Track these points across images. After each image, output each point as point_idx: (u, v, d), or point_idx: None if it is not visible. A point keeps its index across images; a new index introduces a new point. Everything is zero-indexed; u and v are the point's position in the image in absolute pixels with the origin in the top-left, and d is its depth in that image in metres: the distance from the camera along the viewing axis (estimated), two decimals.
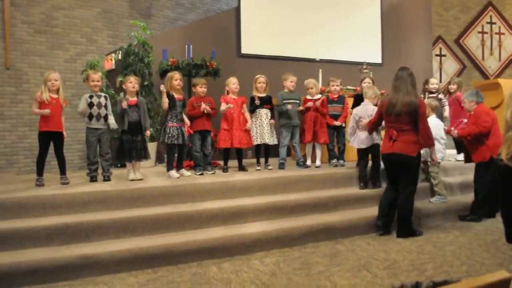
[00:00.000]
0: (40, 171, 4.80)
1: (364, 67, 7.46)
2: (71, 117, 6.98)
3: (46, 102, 4.73)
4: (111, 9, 8.46)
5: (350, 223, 4.65)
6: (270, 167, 5.81)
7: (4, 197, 4.12)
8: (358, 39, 9.13)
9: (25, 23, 7.59)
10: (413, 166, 4.47)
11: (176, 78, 5.28)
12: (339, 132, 6.08)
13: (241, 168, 5.75)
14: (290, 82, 5.97)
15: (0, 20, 7.36)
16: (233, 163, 5.90)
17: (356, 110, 5.38)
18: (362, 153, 5.38)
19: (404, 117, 4.32)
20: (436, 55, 11.71)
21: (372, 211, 4.82)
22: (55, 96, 4.82)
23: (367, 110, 5.26)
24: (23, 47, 7.56)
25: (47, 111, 4.68)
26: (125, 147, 4.92)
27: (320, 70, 7.16)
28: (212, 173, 5.47)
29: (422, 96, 6.63)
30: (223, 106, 5.60)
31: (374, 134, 5.19)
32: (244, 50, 7.99)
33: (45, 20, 7.77)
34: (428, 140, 4.40)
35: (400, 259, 3.83)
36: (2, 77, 7.36)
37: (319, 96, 6.15)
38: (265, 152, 5.93)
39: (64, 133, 4.91)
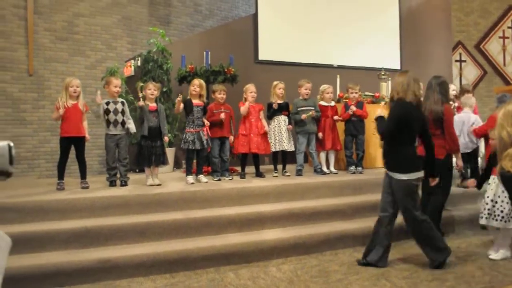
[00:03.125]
0: (61, 175, 4.88)
1: (382, 73, 7.42)
2: (91, 122, 7.04)
3: (65, 108, 4.82)
4: (131, 16, 8.59)
5: (368, 230, 4.55)
6: (287, 174, 5.79)
7: (26, 200, 4.20)
8: (376, 44, 9.07)
9: (47, 31, 7.76)
10: (439, 168, 4.47)
11: (192, 84, 5.36)
12: (357, 139, 6.04)
13: (259, 174, 5.75)
14: (304, 89, 5.94)
15: (23, 28, 7.54)
16: (250, 169, 5.90)
17: (459, 117, 5.62)
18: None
19: (431, 123, 4.35)
20: (456, 60, 11.56)
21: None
22: (74, 102, 4.91)
23: (469, 118, 5.63)
24: (45, 54, 7.72)
25: (61, 110, 4.78)
26: (144, 152, 4.97)
27: (338, 76, 7.13)
28: (230, 179, 5.48)
29: None
30: (243, 107, 5.64)
31: (475, 138, 5.55)
32: (262, 56, 8.01)
33: (67, 28, 7.93)
34: (454, 146, 4.44)
35: (420, 269, 3.77)
36: (25, 83, 7.52)
37: (333, 103, 6.17)
38: (282, 158, 5.91)
39: (87, 136, 4.98)
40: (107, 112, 5.03)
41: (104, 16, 8.30)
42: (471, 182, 5.33)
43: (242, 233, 4.28)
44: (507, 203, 3.88)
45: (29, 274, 3.39)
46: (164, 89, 6.58)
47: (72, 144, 4.90)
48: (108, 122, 5.04)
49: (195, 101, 5.29)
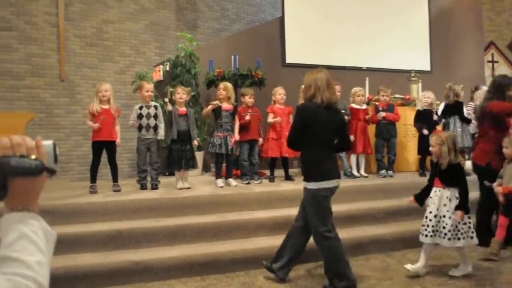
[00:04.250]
0: (93, 179, 4.98)
1: (412, 75, 7.31)
2: (121, 126, 7.21)
3: (96, 113, 4.92)
4: (159, 21, 8.72)
5: (400, 235, 4.51)
6: None
7: (60, 203, 4.30)
8: (405, 46, 8.94)
9: (77, 37, 7.95)
10: (478, 175, 4.39)
11: (218, 88, 5.42)
12: (389, 142, 5.96)
13: (288, 177, 5.74)
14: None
15: (55, 34, 7.74)
16: (279, 172, 5.89)
17: None
18: None
19: (478, 122, 4.34)
20: (488, 61, 11.29)
21: None
22: (106, 106, 5.00)
23: None
24: (76, 60, 7.91)
25: (96, 125, 4.87)
26: (174, 156, 5.03)
27: (367, 78, 7.06)
28: (259, 183, 5.50)
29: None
30: (271, 119, 5.64)
31: None
32: (289, 59, 8.01)
33: (96, 34, 8.11)
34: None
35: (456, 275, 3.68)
36: (57, 89, 7.72)
37: (364, 106, 6.10)
38: None
39: (118, 140, 5.07)
40: (140, 116, 5.11)
41: (133, 22, 8.45)
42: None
43: (271, 237, 4.25)
44: (450, 218, 3.52)
45: (63, 275, 3.45)
46: (193, 93, 6.64)
47: (104, 148, 4.99)
48: (140, 126, 5.12)
49: (224, 105, 5.32)
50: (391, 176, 5.88)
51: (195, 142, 5.22)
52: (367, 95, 6.86)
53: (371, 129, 6.15)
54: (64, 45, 7.77)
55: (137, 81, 6.55)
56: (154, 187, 5.10)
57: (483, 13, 10.59)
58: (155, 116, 5.18)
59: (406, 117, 6.57)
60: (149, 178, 5.21)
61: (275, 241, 4.12)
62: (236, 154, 5.53)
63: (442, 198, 3.61)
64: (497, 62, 11.39)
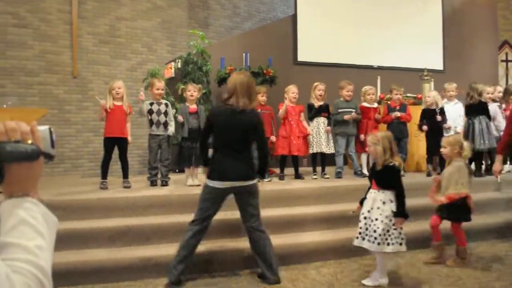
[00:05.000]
0: (104, 175, 5.01)
1: (425, 73, 7.23)
2: (131, 123, 7.27)
3: (109, 110, 4.95)
4: (170, 19, 8.75)
5: (409, 235, 4.45)
6: (327, 176, 5.74)
7: (71, 198, 4.34)
8: (418, 44, 8.86)
9: (90, 34, 8.01)
10: None
11: None
12: (401, 141, 5.92)
13: (298, 176, 5.73)
14: (346, 91, 5.87)
15: (68, 32, 7.81)
16: (289, 171, 5.88)
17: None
18: None
19: None
20: (502, 60, 11.12)
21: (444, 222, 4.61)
22: (118, 103, 5.03)
23: None
24: (89, 57, 7.97)
25: (103, 102, 4.98)
26: (185, 153, 5.04)
27: (379, 77, 7.00)
28: (269, 181, 5.49)
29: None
30: (281, 111, 5.62)
31: None
32: (301, 57, 7.98)
33: (109, 31, 8.17)
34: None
35: (465, 276, 3.64)
36: (69, 85, 7.79)
37: (375, 104, 6.06)
38: (321, 160, 5.86)
39: (129, 138, 5.10)
40: (150, 112, 5.14)
41: (145, 20, 8.50)
42: None
43: (280, 235, 4.23)
44: (382, 221, 3.35)
45: (73, 270, 3.49)
46: (204, 91, 6.65)
47: (116, 144, 5.02)
48: (151, 122, 5.14)
49: None
50: (403, 176, 5.81)
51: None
52: (378, 93, 6.81)
53: (383, 128, 6.09)
54: (77, 42, 7.84)
55: (148, 78, 6.57)
56: (165, 183, 5.12)
57: (498, 12, 10.45)
58: (166, 113, 5.20)
59: (418, 116, 6.50)
60: (159, 175, 5.23)
61: (285, 239, 4.14)
62: None
63: (375, 201, 3.44)
64: (511, 61, 11.22)
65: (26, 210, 0.86)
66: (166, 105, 5.26)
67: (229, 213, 3.99)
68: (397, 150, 3.58)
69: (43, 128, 0.93)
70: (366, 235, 3.42)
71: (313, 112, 5.80)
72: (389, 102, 6.25)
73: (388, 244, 3.34)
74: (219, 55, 6.78)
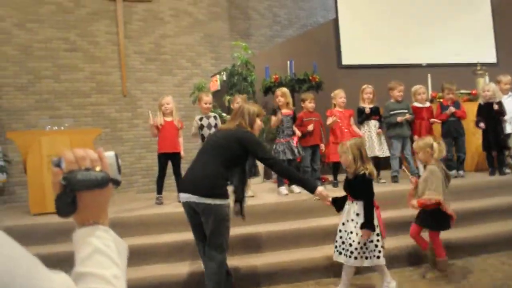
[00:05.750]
0: (159, 190, 5.06)
1: (478, 68, 6.90)
2: (184, 136, 7.36)
3: (160, 126, 5.01)
4: (212, 33, 8.83)
5: (478, 239, 4.23)
6: (382, 181, 5.55)
7: (128, 215, 4.40)
8: (467, 37, 8.44)
9: (137, 53, 8.21)
10: None
11: (276, 95, 5.36)
12: (457, 140, 5.64)
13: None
14: (398, 92, 5.68)
15: (116, 52, 8.04)
16: (342, 177, 5.71)
17: None
18: None
19: None
20: None
21: (504, 225, 4.34)
22: (169, 119, 5.08)
23: None
24: (137, 75, 8.17)
25: (154, 131, 5.02)
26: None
27: (429, 75, 6.73)
28: None
29: None
30: (330, 120, 5.50)
31: None
32: (345, 61, 7.80)
33: (154, 49, 8.34)
34: None
35: None
36: (120, 104, 8.00)
37: (427, 104, 5.82)
38: (375, 165, 5.64)
39: (182, 152, 5.13)
40: (201, 127, 5.16)
41: (188, 35, 8.62)
42: None
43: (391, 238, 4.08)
44: (357, 234, 3.21)
45: (132, 287, 3.50)
46: (250, 101, 6.65)
47: (169, 159, 5.06)
48: (202, 137, 5.16)
49: (284, 111, 5.27)
50: (462, 176, 5.54)
51: None
52: (430, 92, 6.54)
53: (437, 128, 5.84)
54: (125, 62, 8.05)
55: (195, 92, 6.63)
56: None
57: None
58: (216, 126, 5.20)
59: (474, 113, 6.19)
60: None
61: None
62: (297, 159, 5.43)
63: (349, 213, 3.30)
64: None
65: (99, 239, 0.86)
66: (215, 117, 5.27)
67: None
68: (368, 157, 3.40)
69: (109, 154, 0.95)
70: (343, 249, 3.28)
71: (363, 116, 5.65)
72: (441, 101, 5.97)
73: (366, 257, 3.21)
74: (263, 65, 6.74)
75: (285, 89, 5.43)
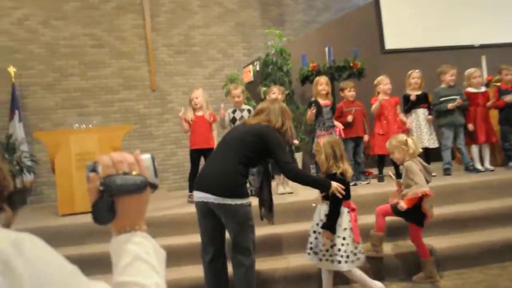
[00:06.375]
0: (191, 188, 5.05)
1: None
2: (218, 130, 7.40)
3: (190, 122, 5.02)
4: (244, 21, 8.80)
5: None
6: (433, 174, 5.33)
7: (161, 214, 4.44)
8: None
9: (165, 46, 8.29)
10: None
11: (321, 83, 5.23)
12: None
13: (399, 176, 5.37)
14: (450, 76, 5.53)
15: (144, 46, 8.14)
16: (387, 171, 5.59)
17: None
18: None
19: None
20: None
21: None
22: (199, 113, 5.08)
23: None
24: (166, 69, 8.25)
25: (185, 127, 5.07)
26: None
27: (483, 57, 6.47)
28: (367, 183, 5.29)
29: None
30: (374, 105, 5.41)
31: None
32: (389, 45, 7.59)
33: (184, 41, 8.40)
34: None
35: None
36: (149, 99, 8.11)
37: (483, 89, 5.59)
38: (425, 157, 5.50)
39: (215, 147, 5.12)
40: (233, 120, 5.14)
41: (218, 25, 8.63)
42: None
43: (386, 244, 3.97)
44: (349, 232, 3.24)
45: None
46: (287, 92, 6.56)
47: (202, 155, 5.07)
48: None
49: (323, 101, 5.18)
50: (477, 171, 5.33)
51: (296, 142, 5.11)
52: (485, 76, 6.29)
53: (494, 114, 5.60)
54: (153, 56, 8.13)
55: (227, 84, 6.62)
56: (254, 193, 5.06)
57: None
58: None
59: None
60: (248, 184, 5.18)
61: (392, 248, 3.90)
62: None
63: (320, 213, 3.33)
64: None
65: (139, 246, 0.87)
66: (249, 111, 5.22)
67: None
68: (344, 156, 3.36)
69: (146, 157, 0.95)
70: (317, 251, 3.33)
71: (410, 104, 5.50)
72: (499, 85, 5.72)
73: (332, 261, 3.25)
74: (299, 52, 6.65)
75: (327, 78, 5.37)
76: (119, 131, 5.49)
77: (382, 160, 5.49)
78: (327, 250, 3.26)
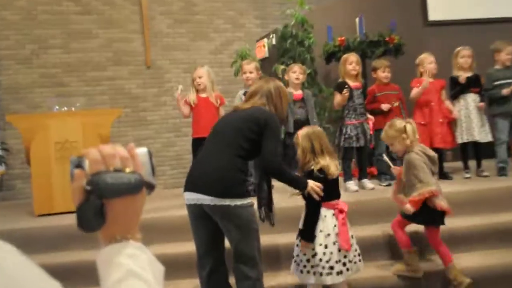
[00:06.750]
0: None
1: None
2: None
3: (193, 105, 5.01)
4: None
5: None
6: (485, 174, 5.40)
7: (155, 217, 4.46)
8: None
9: (163, 14, 8.29)
10: None
11: (350, 61, 5.20)
12: None
13: (443, 175, 5.42)
14: (506, 55, 5.51)
15: (137, 14, 8.12)
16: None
17: None
18: None
19: None
20: None
21: None
22: (203, 95, 5.06)
23: None
24: (163, 42, 8.24)
25: (185, 111, 5.05)
26: (290, 153, 4.91)
27: None
28: None
29: None
30: (416, 90, 5.36)
31: None
32: (433, 16, 7.50)
33: (185, 8, 8.39)
34: None
35: None
36: (143, 78, 8.11)
37: None
38: (475, 152, 5.53)
39: None
40: None
41: None
42: None
43: (424, 260, 3.96)
44: (334, 237, 3.23)
45: None
46: (308, 71, 6.51)
47: None
48: None
49: (352, 83, 5.15)
50: None
51: None
52: None
53: None
54: (149, 26, 8.11)
55: (237, 61, 6.58)
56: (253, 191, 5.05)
57: None
58: None
59: None
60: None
61: (431, 264, 3.88)
62: (370, 146, 5.32)
63: (301, 218, 3.36)
64: None
65: (132, 259, 0.85)
66: None
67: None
68: (328, 150, 3.33)
69: (141, 151, 0.95)
70: (299, 262, 3.34)
71: (458, 88, 5.47)
72: None
73: (321, 274, 3.21)
74: (324, 24, 6.60)
75: (358, 56, 5.36)
76: (107, 116, 5.50)
77: None
78: (308, 261, 3.24)
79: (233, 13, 8.61)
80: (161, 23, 8.27)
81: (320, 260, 3.19)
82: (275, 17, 8.48)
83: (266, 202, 3.37)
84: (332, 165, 3.26)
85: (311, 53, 6.74)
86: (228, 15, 8.58)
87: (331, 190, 3.24)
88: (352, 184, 5.05)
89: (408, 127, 3.60)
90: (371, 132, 5.15)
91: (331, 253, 3.19)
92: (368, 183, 5.14)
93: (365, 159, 5.31)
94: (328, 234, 3.21)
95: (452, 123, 5.48)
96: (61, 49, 7.80)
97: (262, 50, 7.51)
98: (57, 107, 5.77)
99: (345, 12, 7.16)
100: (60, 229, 4.25)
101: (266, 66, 6.92)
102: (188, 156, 5.27)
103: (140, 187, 0.88)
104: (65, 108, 5.70)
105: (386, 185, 5.18)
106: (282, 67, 5.33)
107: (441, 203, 3.53)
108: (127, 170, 0.87)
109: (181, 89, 5.05)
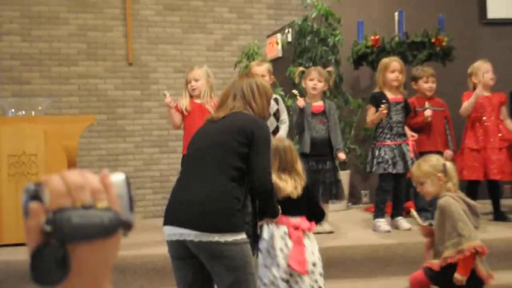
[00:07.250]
0: None
1: None
2: None
3: (185, 112, 5.03)
4: None
5: None
6: None
7: (131, 255, 4.46)
8: None
9: None
10: None
11: (393, 69, 5.27)
12: None
13: (499, 216, 5.47)
14: None
15: None
16: (483, 205, 5.53)
17: None
18: None
19: None
20: None
21: None
22: (198, 101, 5.09)
23: None
24: (150, 32, 8.26)
25: (176, 120, 5.14)
26: (306, 180, 4.92)
27: None
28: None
29: None
30: (467, 103, 5.38)
31: None
32: (492, 13, 7.54)
33: None
34: None
35: None
36: (123, 77, 8.13)
37: None
38: None
39: None
40: None
41: None
42: None
43: None
44: (284, 258, 3.46)
45: None
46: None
47: None
48: None
49: (392, 95, 5.20)
50: None
51: (341, 156, 5.11)
52: None
53: None
54: (132, 12, 8.14)
55: (242, 61, 6.59)
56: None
57: None
58: (275, 114, 5.17)
59: None
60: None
61: None
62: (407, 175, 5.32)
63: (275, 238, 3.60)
64: None
65: None
66: (276, 101, 5.22)
67: None
68: (292, 167, 3.66)
69: (118, 180, 0.91)
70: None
71: None
72: None
73: None
74: (355, 18, 6.64)
75: (401, 61, 5.40)
76: (76, 124, 5.51)
77: (474, 189, 5.48)
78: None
79: (239, 0, 8.65)
80: (148, 9, 8.30)
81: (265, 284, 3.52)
82: (292, 7, 8.56)
83: (251, 228, 3.44)
84: (287, 186, 3.55)
85: (336, 54, 6.77)
86: (232, 2, 8.61)
87: (289, 208, 3.46)
88: (383, 223, 5.06)
89: (449, 166, 3.63)
90: (411, 155, 5.14)
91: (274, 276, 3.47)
92: (403, 222, 5.14)
93: (401, 191, 5.31)
94: (275, 255, 3.43)
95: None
96: (19, 36, 7.82)
97: (274, 48, 7.54)
98: (12, 110, 5.77)
99: (381, 5, 7.22)
100: (10, 266, 4.24)
101: (278, 68, 6.93)
102: (173, 178, 5.23)
103: (115, 228, 0.86)
104: (23, 112, 5.69)
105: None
106: (301, 69, 5.32)
107: (483, 269, 3.47)
108: (99, 205, 0.84)
109: (168, 95, 5.10)
